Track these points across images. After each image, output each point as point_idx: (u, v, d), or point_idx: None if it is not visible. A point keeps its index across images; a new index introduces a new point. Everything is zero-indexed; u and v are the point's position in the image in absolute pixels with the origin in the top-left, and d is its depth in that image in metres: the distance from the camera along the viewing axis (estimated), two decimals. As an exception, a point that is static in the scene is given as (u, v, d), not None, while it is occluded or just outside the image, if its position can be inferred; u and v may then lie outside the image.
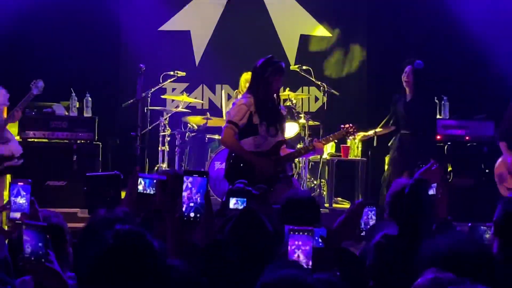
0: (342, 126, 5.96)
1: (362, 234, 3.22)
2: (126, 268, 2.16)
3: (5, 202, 6.27)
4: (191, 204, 2.78)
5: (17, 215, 2.98)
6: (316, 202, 3.86)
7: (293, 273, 2.16)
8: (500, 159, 7.28)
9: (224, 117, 9.39)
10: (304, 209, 3.66)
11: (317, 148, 5.80)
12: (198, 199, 2.79)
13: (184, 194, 2.79)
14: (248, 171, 5.50)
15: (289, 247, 2.72)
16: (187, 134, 8.71)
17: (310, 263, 2.68)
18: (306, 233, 2.72)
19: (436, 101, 8.44)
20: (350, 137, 5.93)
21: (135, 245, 2.21)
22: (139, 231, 2.27)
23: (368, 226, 3.29)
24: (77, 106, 7.82)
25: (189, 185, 2.79)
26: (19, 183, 2.98)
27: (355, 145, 8.66)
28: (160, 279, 2.21)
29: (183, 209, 2.78)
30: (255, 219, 3.10)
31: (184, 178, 2.79)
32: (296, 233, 2.73)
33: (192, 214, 2.77)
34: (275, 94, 5.85)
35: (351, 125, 5.93)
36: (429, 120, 7.78)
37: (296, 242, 2.70)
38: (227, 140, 5.64)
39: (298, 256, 2.69)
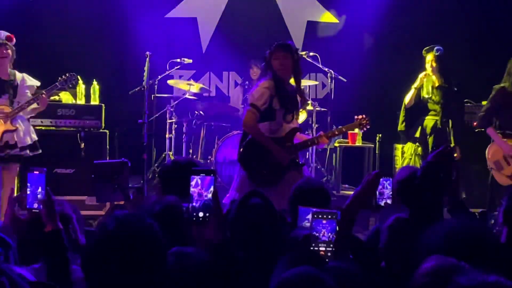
0: (356, 117, 5.86)
1: (378, 203, 3.25)
2: (126, 253, 2.16)
3: (16, 191, 6.30)
4: (201, 203, 2.77)
5: (35, 205, 3.00)
6: (326, 189, 3.87)
7: (310, 270, 2.16)
8: (492, 146, 7.02)
9: (236, 104, 9.42)
10: (315, 196, 3.66)
11: (321, 142, 5.74)
12: (207, 198, 2.78)
13: (195, 190, 2.78)
14: (263, 157, 5.46)
15: (313, 230, 2.74)
16: (194, 122, 8.71)
17: (332, 248, 2.71)
18: (330, 217, 2.73)
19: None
20: (364, 129, 5.80)
21: (135, 230, 2.21)
22: (139, 216, 2.27)
23: (384, 197, 3.32)
24: (84, 93, 7.81)
25: (199, 182, 2.78)
26: (35, 172, 2.99)
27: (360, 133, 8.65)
28: (158, 264, 2.21)
29: (193, 207, 2.77)
30: (261, 200, 3.11)
31: (192, 178, 2.78)
32: (320, 216, 2.74)
33: (201, 214, 2.76)
34: (293, 80, 5.79)
35: (364, 116, 5.83)
36: (458, 104, 7.77)
37: (320, 226, 2.72)
38: (249, 124, 5.51)
39: (323, 240, 2.71)
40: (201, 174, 2.78)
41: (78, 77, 7.10)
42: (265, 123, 5.55)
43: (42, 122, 7.50)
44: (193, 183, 2.77)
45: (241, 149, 5.57)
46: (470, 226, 2.46)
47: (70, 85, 6.95)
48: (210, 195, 2.77)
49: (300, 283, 2.12)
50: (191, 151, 8.70)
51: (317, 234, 2.74)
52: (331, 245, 2.73)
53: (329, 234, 2.74)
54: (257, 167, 5.45)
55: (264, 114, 5.52)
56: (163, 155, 8.69)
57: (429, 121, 7.57)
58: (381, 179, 3.13)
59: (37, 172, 2.96)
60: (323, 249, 2.73)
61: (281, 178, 5.40)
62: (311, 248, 2.72)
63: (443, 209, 3.33)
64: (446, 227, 2.44)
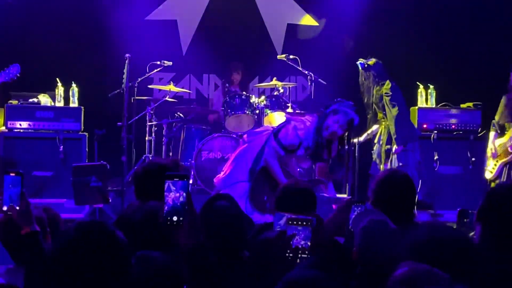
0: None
1: (352, 230, 3.24)
2: (86, 259, 2.18)
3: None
4: (174, 207, 2.78)
5: (5, 207, 2.98)
6: (312, 190, 3.86)
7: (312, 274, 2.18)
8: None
9: (210, 107, 9.43)
10: (301, 198, 3.66)
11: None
12: (181, 202, 2.78)
13: (168, 195, 2.78)
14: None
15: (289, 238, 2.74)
16: (174, 124, 8.69)
17: (307, 255, 2.71)
18: (305, 223, 2.73)
19: (424, 89, 8.47)
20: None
21: (96, 236, 2.22)
22: (102, 222, 2.28)
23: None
24: (63, 96, 7.77)
25: (172, 188, 2.78)
26: (11, 174, 2.97)
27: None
28: (120, 270, 2.22)
29: (165, 211, 2.77)
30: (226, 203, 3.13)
31: (166, 182, 2.79)
32: (295, 223, 2.74)
33: (175, 218, 2.76)
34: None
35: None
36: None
37: (295, 233, 2.72)
38: (269, 161, 5.82)
39: (297, 243, 2.72)
40: (175, 179, 2.79)
41: (57, 79, 7.07)
42: None
43: (20, 124, 7.45)
44: (166, 187, 2.78)
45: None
46: (443, 231, 2.47)
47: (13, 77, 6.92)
48: (182, 199, 2.77)
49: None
50: (171, 153, 8.68)
51: (291, 241, 2.73)
52: (306, 252, 2.72)
53: (303, 241, 2.73)
54: None
55: None
56: (143, 158, 8.66)
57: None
58: (352, 206, 3.15)
59: (13, 174, 2.94)
60: (297, 255, 2.73)
61: None
62: (287, 254, 2.72)
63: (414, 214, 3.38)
64: (420, 232, 2.45)
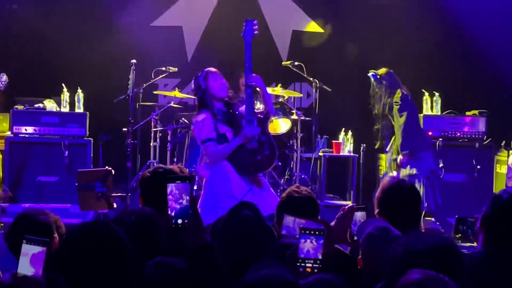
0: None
1: (354, 238, 3.22)
2: (90, 257, 2.20)
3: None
4: (179, 210, 2.79)
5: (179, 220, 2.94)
6: (315, 198, 3.84)
7: (276, 273, 2.17)
8: None
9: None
10: (303, 205, 3.64)
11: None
12: (185, 205, 2.78)
13: (171, 198, 2.78)
14: None
15: (299, 246, 2.73)
16: (178, 130, 8.70)
17: (319, 260, 2.71)
18: (317, 233, 2.72)
19: (429, 97, 8.47)
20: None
21: (99, 235, 2.25)
22: (105, 222, 2.30)
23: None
24: (69, 101, 7.78)
25: (175, 191, 2.79)
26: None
27: (347, 141, 8.68)
28: (122, 269, 2.23)
29: (171, 215, 2.78)
30: (251, 212, 3.10)
31: (168, 185, 2.79)
32: (308, 232, 2.73)
33: (180, 221, 2.77)
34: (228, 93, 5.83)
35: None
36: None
37: (306, 241, 2.71)
38: (213, 155, 5.59)
39: (308, 253, 2.70)
40: (177, 182, 2.80)
41: (63, 84, 7.09)
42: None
43: (26, 129, 7.47)
44: (170, 192, 2.78)
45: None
46: (430, 238, 2.46)
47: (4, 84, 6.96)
48: (185, 202, 2.78)
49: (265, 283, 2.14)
50: (175, 159, 8.68)
51: (304, 251, 2.72)
52: (318, 262, 2.73)
53: (316, 251, 2.73)
54: None
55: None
56: (148, 164, 8.66)
57: None
58: (355, 213, 3.14)
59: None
60: (310, 265, 2.73)
61: None
62: (297, 264, 2.72)
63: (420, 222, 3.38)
64: (407, 240, 2.44)
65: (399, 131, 7.11)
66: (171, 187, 2.79)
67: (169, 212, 2.78)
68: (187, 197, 2.78)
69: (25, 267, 2.62)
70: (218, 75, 5.79)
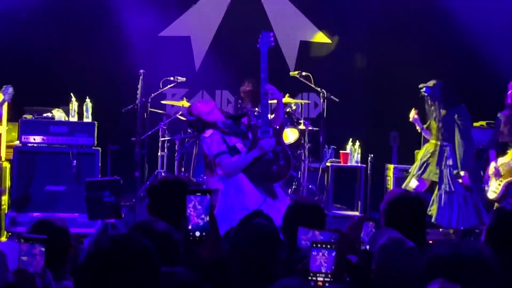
0: None
1: (362, 247, 3.22)
2: (121, 273, 2.16)
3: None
4: (198, 223, 2.78)
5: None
6: (321, 208, 3.84)
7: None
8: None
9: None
10: (310, 215, 3.64)
11: None
12: (204, 218, 2.78)
13: (191, 210, 2.78)
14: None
15: (311, 259, 2.73)
16: (186, 140, 8.71)
17: (330, 279, 2.71)
18: (329, 247, 2.72)
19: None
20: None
21: (130, 250, 2.21)
22: (134, 236, 2.27)
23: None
24: (77, 111, 7.80)
25: (195, 203, 2.78)
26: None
27: (355, 151, 8.68)
28: (153, 285, 2.21)
29: (189, 227, 2.77)
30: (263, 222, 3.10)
31: (188, 197, 2.78)
32: (319, 246, 2.73)
33: (197, 234, 2.76)
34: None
35: None
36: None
37: (318, 254, 2.71)
38: (229, 167, 5.58)
39: (320, 266, 2.70)
40: (198, 194, 2.79)
41: (71, 94, 7.11)
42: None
43: (34, 139, 7.48)
44: (190, 204, 2.77)
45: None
46: (459, 247, 2.46)
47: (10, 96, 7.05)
48: (204, 215, 2.77)
49: None
50: (183, 169, 8.69)
51: (316, 264, 2.72)
52: (330, 276, 2.72)
53: (328, 264, 2.73)
54: None
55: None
56: (156, 173, 8.68)
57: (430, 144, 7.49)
58: (364, 223, 3.14)
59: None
60: (321, 279, 2.72)
61: None
62: (309, 278, 2.71)
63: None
64: (438, 249, 2.44)
65: (461, 147, 7.07)
66: (191, 199, 2.79)
67: (188, 224, 2.77)
68: (207, 211, 2.78)
69: (25, 266, 2.66)
70: (204, 102, 5.88)
